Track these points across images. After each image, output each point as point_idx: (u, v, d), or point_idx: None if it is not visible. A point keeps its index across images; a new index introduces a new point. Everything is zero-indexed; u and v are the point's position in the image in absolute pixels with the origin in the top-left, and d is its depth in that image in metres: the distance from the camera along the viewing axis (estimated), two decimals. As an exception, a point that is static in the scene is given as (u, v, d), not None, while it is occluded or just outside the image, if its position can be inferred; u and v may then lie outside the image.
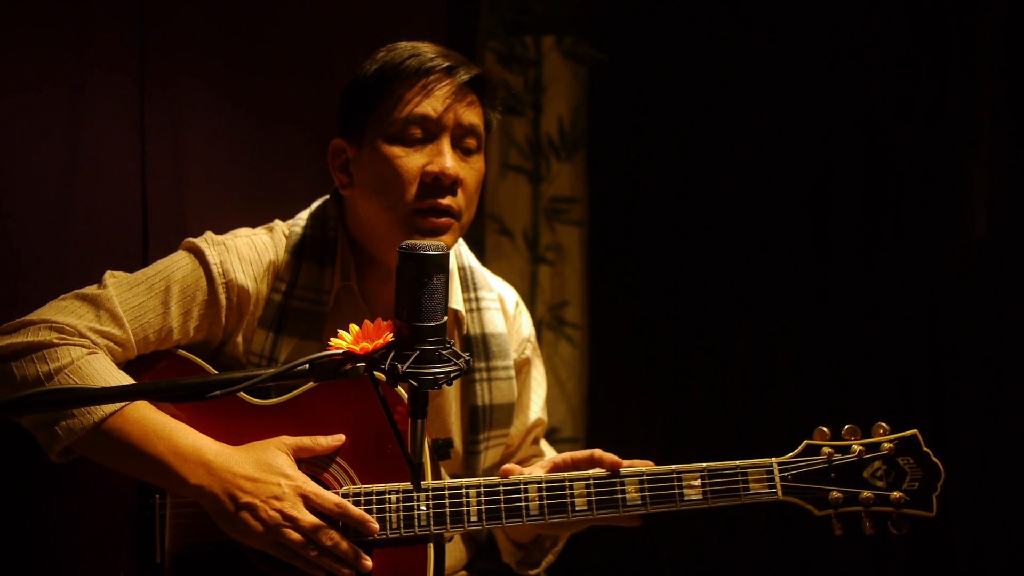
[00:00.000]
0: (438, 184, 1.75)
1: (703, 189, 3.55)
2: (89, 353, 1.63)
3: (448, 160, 1.75)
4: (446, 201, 1.75)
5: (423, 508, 1.66)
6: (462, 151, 1.80)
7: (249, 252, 1.81)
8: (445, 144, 1.77)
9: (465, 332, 1.95)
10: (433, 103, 1.76)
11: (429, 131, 1.77)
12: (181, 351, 1.76)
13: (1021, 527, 3.01)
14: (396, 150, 1.76)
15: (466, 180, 1.79)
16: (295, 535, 1.59)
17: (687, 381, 3.63)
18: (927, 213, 3.21)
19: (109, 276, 1.74)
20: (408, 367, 1.33)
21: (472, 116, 1.80)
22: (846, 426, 1.73)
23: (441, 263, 1.35)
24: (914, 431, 1.71)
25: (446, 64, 1.78)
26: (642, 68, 3.62)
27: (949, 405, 3.15)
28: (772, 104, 3.43)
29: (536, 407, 2.10)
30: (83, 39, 2.57)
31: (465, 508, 1.67)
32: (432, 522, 1.66)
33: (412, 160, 1.76)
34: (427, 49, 1.80)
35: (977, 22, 3.14)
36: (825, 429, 1.73)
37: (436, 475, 1.81)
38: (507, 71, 3.65)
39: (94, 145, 2.60)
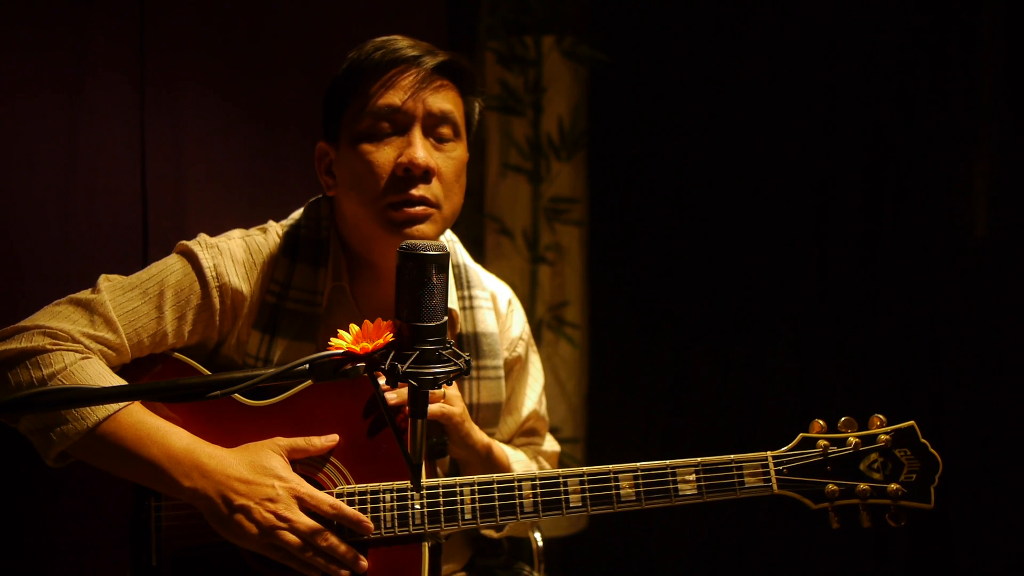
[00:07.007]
0: (409, 175, 1.73)
1: (703, 189, 3.55)
2: (83, 358, 1.63)
3: (418, 151, 1.73)
4: (419, 192, 1.73)
5: (417, 507, 1.66)
6: (436, 140, 1.78)
7: (243, 254, 1.81)
8: (416, 135, 1.74)
9: (459, 330, 1.94)
10: (399, 94, 1.74)
11: (398, 123, 1.75)
12: (177, 354, 1.76)
13: (1020, 525, 3.01)
14: (367, 146, 1.75)
15: (442, 169, 1.76)
16: (290, 536, 1.59)
17: (687, 380, 3.63)
18: (927, 213, 3.21)
19: (103, 280, 1.74)
20: (408, 367, 1.32)
21: (442, 103, 1.77)
22: (842, 418, 1.72)
23: (441, 263, 1.34)
24: (911, 423, 1.70)
25: (411, 54, 1.75)
26: (642, 68, 3.62)
27: (949, 405, 3.15)
28: (772, 104, 3.43)
29: (530, 402, 2.10)
30: (83, 40, 2.57)
31: (459, 506, 1.67)
32: (426, 520, 1.66)
33: (383, 154, 1.74)
34: (395, 42, 1.78)
35: (977, 22, 3.14)
36: (821, 422, 1.72)
37: (431, 474, 1.81)
38: (507, 71, 3.65)
39: (94, 146, 2.60)
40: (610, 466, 1.70)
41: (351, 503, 1.65)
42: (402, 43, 1.78)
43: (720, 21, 3.49)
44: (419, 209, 1.74)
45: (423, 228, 1.74)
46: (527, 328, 2.13)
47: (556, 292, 3.76)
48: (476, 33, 3.57)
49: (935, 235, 3.19)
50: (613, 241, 3.75)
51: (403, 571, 1.65)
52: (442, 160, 1.77)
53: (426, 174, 1.74)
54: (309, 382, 1.67)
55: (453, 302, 1.93)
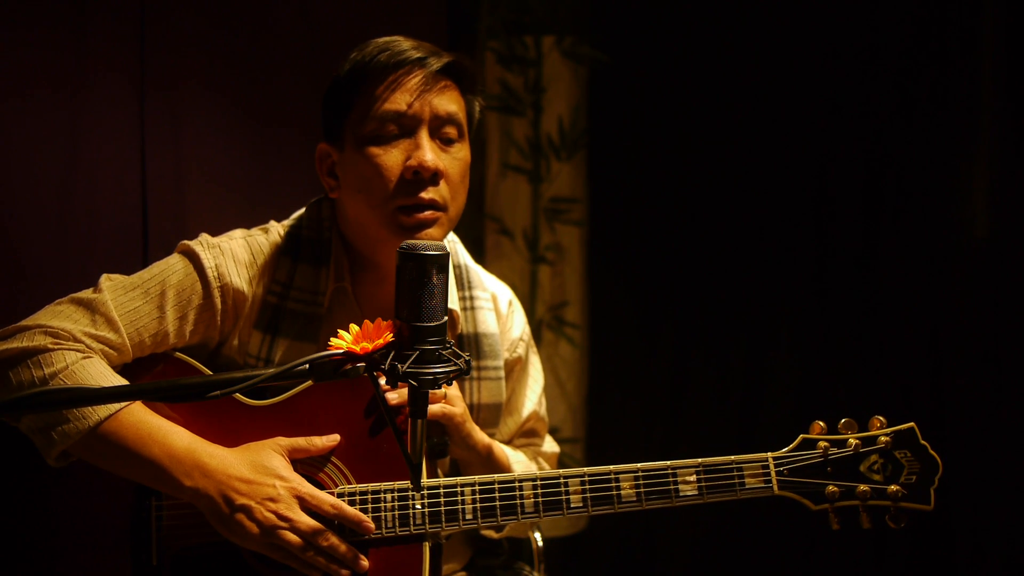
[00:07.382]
0: (418, 178, 1.74)
1: (703, 189, 3.55)
2: (84, 357, 1.63)
3: (427, 153, 1.74)
4: (428, 195, 1.74)
5: (418, 507, 1.66)
6: (442, 141, 1.78)
7: (244, 254, 1.81)
8: (423, 137, 1.75)
9: (459, 331, 1.95)
10: (405, 96, 1.74)
11: (405, 126, 1.75)
12: (178, 353, 1.76)
13: (1020, 525, 3.01)
14: (375, 149, 1.75)
15: (449, 171, 1.77)
16: (291, 536, 1.59)
17: (687, 380, 3.63)
18: (927, 213, 3.21)
19: (105, 279, 1.74)
20: (408, 367, 1.33)
21: (448, 104, 1.78)
22: (842, 420, 1.72)
23: (442, 263, 1.35)
24: (911, 424, 1.71)
25: (416, 56, 1.76)
26: (642, 68, 3.61)
27: (949, 406, 3.15)
28: (772, 104, 3.43)
29: (530, 403, 2.10)
30: (83, 41, 2.57)
31: (460, 506, 1.67)
32: (427, 520, 1.66)
33: (391, 157, 1.75)
34: (398, 43, 1.78)
35: (977, 22, 3.13)
36: (821, 423, 1.73)
37: (431, 474, 1.82)
38: (507, 71, 3.65)
39: (94, 146, 2.60)
40: (611, 467, 1.70)
41: (352, 503, 1.66)
42: (405, 44, 1.78)
43: (720, 21, 3.49)
44: (428, 214, 1.75)
45: (431, 232, 1.75)
46: (527, 329, 2.13)
47: (556, 292, 3.76)
48: (476, 33, 3.56)
49: (935, 236, 3.19)
50: (613, 241, 3.74)
51: (404, 571, 1.66)
52: (448, 161, 1.78)
53: (434, 176, 1.75)
54: (310, 382, 1.67)
55: (454, 302, 1.93)
